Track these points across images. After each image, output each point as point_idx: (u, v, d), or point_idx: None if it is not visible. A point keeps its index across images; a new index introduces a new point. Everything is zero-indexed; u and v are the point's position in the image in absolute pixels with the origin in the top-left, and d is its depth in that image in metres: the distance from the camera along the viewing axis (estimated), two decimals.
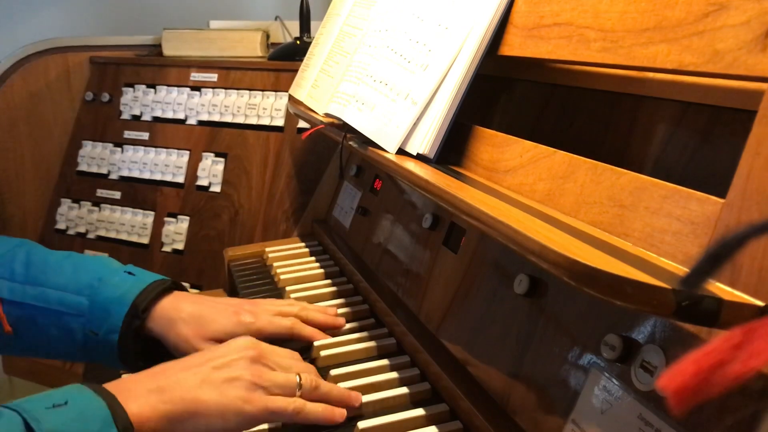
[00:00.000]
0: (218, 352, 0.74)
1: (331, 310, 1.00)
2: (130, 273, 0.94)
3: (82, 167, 1.92)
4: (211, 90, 1.77)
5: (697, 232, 0.53)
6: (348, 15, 1.21)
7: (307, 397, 0.73)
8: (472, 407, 0.73)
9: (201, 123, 1.77)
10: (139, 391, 0.65)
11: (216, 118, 1.75)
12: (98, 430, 0.59)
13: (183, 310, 0.90)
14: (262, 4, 2.30)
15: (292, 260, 1.28)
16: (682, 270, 0.52)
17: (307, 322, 0.95)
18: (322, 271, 1.21)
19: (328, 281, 1.17)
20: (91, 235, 1.86)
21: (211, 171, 1.72)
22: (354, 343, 0.95)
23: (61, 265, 0.94)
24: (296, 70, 1.39)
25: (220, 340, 0.88)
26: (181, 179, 1.77)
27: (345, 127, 0.99)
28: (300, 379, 0.72)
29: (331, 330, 0.98)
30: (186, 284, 1.70)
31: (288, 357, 0.79)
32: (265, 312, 0.93)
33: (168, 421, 0.64)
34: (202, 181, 1.73)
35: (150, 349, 0.92)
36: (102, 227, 1.85)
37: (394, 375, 0.86)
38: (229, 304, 0.95)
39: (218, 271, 1.62)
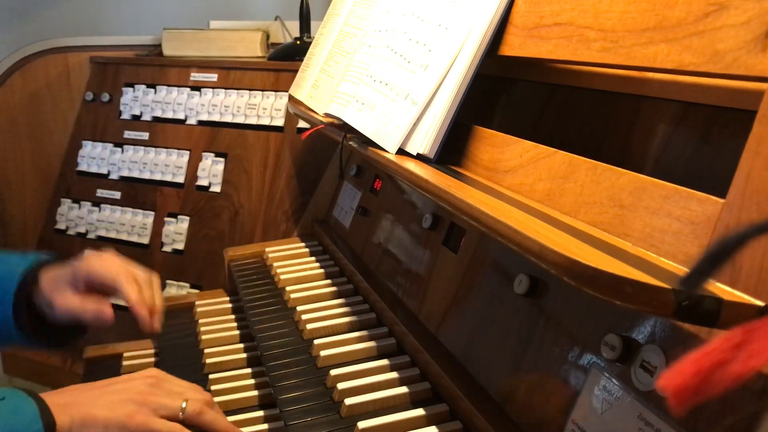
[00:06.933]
0: (123, 378, 0.83)
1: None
2: (21, 257, 0.99)
3: (82, 167, 1.92)
4: (211, 90, 1.77)
5: (697, 232, 0.53)
6: (348, 15, 1.21)
7: (189, 421, 0.80)
8: (472, 407, 0.73)
9: (201, 123, 1.77)
10: (49, 403, 0.74)
11: (216, 118, 1.75)
12: (28, 422, 0.71)
13: (61, 270, 0.96)
14: (262, 4, 2.30)
15: (292, 260, 1.28)
16: (682, 270, 0.52)
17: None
18: (322, 271, 1.21)
19: (328, 281, 1.17)
20: (91, 235, 1.86)
21: (211, 171, 1.72)
22: (354, 343, 0.95)
23: None
24: (296, 70, 1.39)
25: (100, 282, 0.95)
26: (181, 179, 1.77)
27: (345, 127, 0.99)
28: (185, 405, 0.79)
29: None
30: (186, 284, 1.71)
31: (184, 386, 0.84)
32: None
33: (68, 429, 0.74)
34: (202, 181, 1.73)
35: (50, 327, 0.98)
36: (102, 227, 1.85)
37: (394, 375, 0.86)
38: None
39: (218, 271, 1.62)
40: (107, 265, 0.96)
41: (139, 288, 0.95)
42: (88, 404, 0.76)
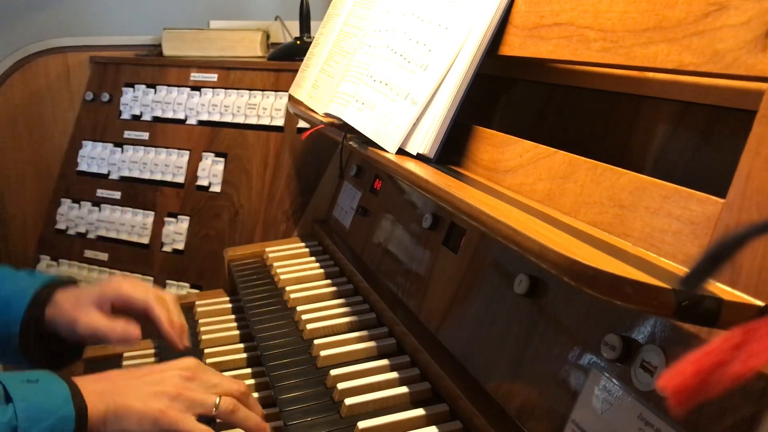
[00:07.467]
0: (160, 368, 0.83)
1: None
2: (30, 276, 0.99)
3: (82, 167, 1.92)
4: (211, 90, 1.77)
5: (697, 232, 0.53)
6: (348, 15, 1.21)
7: (222, 417, 0.80)
8: (472, 407, 0.73)
9: (201, 123, 1.77)
10: (85, 389, 0.75)
11: (216, 118, 1.75)
12: (60, 404, 0.71)
13: (84, 289, 0.97)
14: (262, 4, 2.30)
15: (292, 260, 1.28)
16: (682, 270, 0.52)
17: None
18: (322, 271, 1.21)
19: (328, 281, 1.17)
20: (91, 235, 1.86)
21: (211, 171, 1.72)
22: (354, 343, 0.95)
23: None
24: (296, 70, 1.38)
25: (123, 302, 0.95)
26: (181, 179, 1.76)
27: (345, 127, 0.99)
28: (218, 401, 0.79)
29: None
30: (186, 284, 1.71)
31: (220, 376, 0.84)
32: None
33: (102, 417, 0.75)
34: (202, 181, 1.73)
35: (50, 347, 0.97)
36: (102, 227, 1.85)
37: (394, 375, 0.86)
38: None
39: (218, 271, 1.62)
40: (136, 286, 0.97)
41: (168, 310, 0.97)
42: (124, 394, 0.76)
